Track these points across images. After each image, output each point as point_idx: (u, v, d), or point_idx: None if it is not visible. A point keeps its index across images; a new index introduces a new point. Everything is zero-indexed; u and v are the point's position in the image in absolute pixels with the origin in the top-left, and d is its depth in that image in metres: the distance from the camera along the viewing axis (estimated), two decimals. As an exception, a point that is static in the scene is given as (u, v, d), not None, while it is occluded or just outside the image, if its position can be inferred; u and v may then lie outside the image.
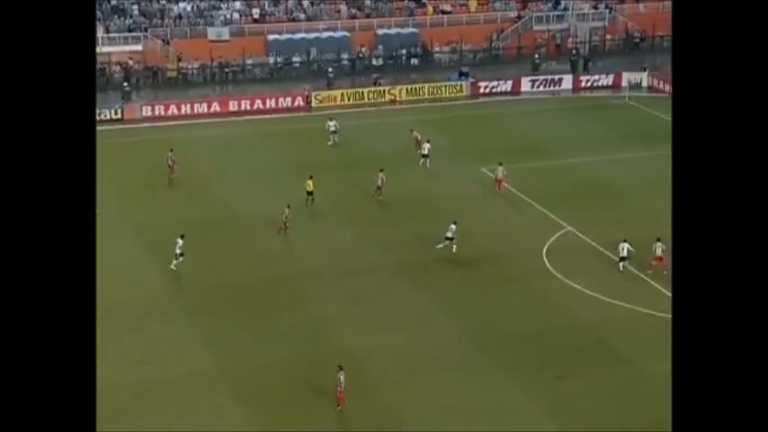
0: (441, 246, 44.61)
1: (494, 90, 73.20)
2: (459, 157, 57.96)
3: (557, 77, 74.59)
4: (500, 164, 52.87)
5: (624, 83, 72.64)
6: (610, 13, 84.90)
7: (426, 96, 72.05)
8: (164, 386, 34.35)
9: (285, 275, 42.85)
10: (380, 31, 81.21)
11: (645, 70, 73.83)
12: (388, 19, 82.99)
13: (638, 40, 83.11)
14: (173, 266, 42.94)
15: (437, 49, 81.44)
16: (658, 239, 42.10)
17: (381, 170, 51.60)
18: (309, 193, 50.17)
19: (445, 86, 73.20)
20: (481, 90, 73.05)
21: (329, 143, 60.30)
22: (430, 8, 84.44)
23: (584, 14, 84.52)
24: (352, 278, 42.91)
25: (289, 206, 47.07)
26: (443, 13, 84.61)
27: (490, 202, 51.49)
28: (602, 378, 35.01)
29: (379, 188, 51.00)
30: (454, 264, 44.10)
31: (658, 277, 42.06)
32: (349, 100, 71.11)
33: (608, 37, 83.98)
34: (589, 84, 74.06)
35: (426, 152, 56.29)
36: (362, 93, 71.91)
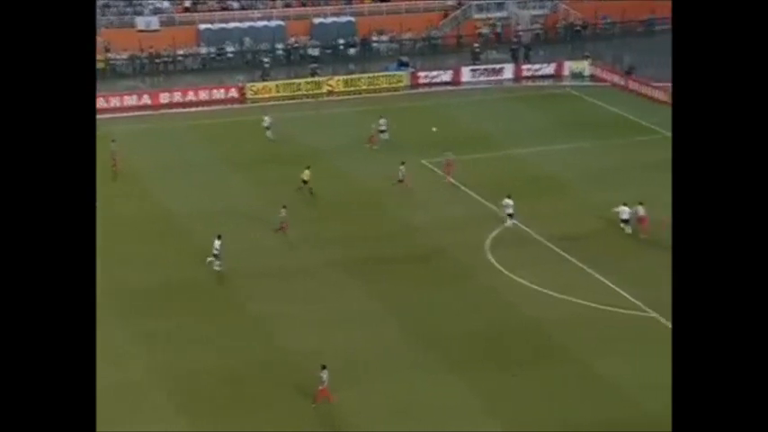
0: (508, 224, 46.52)
1: (434, 80, 73.24)
2: (399, 149, 57.86)
3: (498, 67, 74.82)
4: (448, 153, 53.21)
5: (566, 72, 73.10)
6: (551, 1, 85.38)
7: (365, 87, 71.86)
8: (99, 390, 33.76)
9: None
10: (317, 20, 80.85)
11: (586, 59, 74.35)
12: (325, 8, 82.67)
13: (579, 29, 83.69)
14: (216, 267, 42.49)
15: (375, 38, 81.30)
16: (641, 203, 45.05)
17: (306, 169, 51.39)
18: (305, 182, 50.31)
19: (384, 77, 73.08)
20: (421, 80, 73.04)
21: (267, 137, 59.84)
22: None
23: (524, 2, 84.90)
24: (294, 276, 42.64)
25: (285, 207, 46.28)
26: (381, 1, 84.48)
27: (433, 195, 51.47)
28: (547, 374, 35.14)
29: (304, 182, 50.67)
30: (397, 260, 44.01)
31: (605, 269, 42.36)
32: (285, 91, 70.69)
33: (549, 25, 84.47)
34: (530, 73, 74.39)
35: (385, 134, 57.92)
36: (299, 84, 71.53)
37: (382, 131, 59.13)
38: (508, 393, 34.06)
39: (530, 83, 73.51)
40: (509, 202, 46.88)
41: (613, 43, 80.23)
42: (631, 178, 52.59)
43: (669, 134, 59.62)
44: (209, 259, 42.64)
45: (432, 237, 46.31)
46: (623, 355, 36.25)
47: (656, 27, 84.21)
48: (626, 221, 45.95)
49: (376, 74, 73.36)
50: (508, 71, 74.46)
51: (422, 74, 73.36)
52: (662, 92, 66.48)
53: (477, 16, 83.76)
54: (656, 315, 38.85)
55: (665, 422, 32.17)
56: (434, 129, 52.48)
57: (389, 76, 73.22)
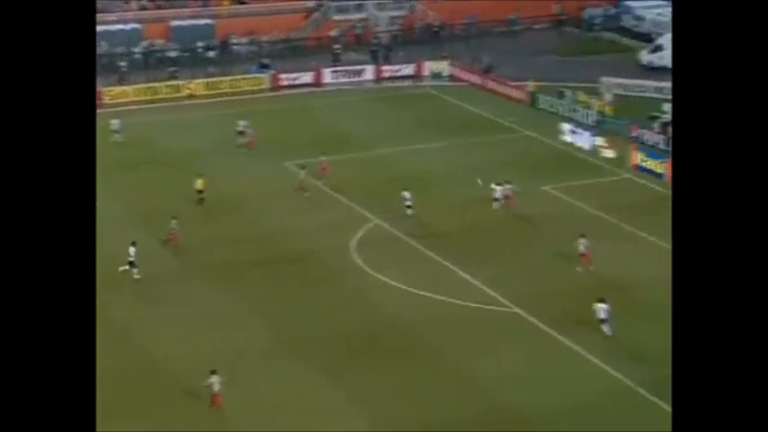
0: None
1: (295, 82, 73.31)
2: (262, 153, 57.82)
3: (358, 68, 75.37)
4: (322, 153, 53.43)
5: (426, 72, 74.10)
6: (409, 2, 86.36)
7: (226, 90, 71.46)
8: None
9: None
10: (174, 23, 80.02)
11: (445, 59, 75.50)
12: (182, 10, 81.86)
13: (437, 29, 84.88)
14: (135, 276, 41.88)
15: (235, 40, 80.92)
16: (508, 182, 45.82)
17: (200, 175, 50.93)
18: (200, 192, 49.68)
19: (245, 79, 72.84)
20: (282, 82, 73.04)
21: (113, 140, 58.76)
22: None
23: (383, 4, 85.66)
24: (160, 281, 42.22)
25: (175, 217, 45.43)
26: (240, 3, 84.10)
27: (296, 198, 51.58)
28: (413, 372, 35.67)
29: (199, 191, 50.09)
30: (263, 264, 44.01)
31: (469, 267, 43.18)
32: (143, 95, 69.77)
33: (408, 26, 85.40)
34: (391, 74, 75.13)
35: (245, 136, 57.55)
36: (158, 88, 70.68)
37: (241, 133, 59.06)
38: (376, 392, 34.47)
39: (390, 83, 74.24)
40: (406, 194, 47.58)
41: (471, 43, 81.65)
42: (491, 176, 53.66)
43: (527, 132, 61.17)
44: (124, 268, 41.76)
45: (298, 239, 46.44)
46: (487, 351, 37.06)
47: (516, 27, 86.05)
48: (497, 200, 48.50)
49: (237, 76, 73.05)
50: (369, 72, 75.07)
51: (283, 76, 73.36)
52: (519, 91, 68.03)
53: (336, 18, 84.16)
54: (518, 310, 39.83)
55: (527, 416, 33.17)
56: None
57: (250, 78, 73.02)
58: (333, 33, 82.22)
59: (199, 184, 50.08)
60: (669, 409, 32.91)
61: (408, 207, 48.23)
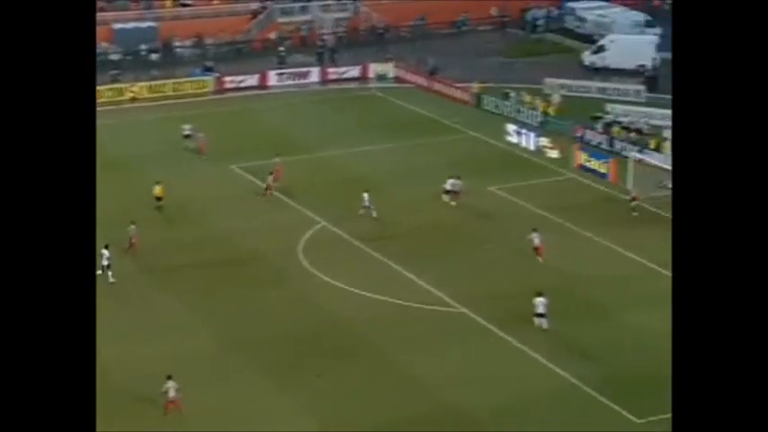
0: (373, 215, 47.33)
1: (240, 85, 73.13)
2: (208, 156, 57.63)
3: (304, 70, 75.35)
4: (277, 155, 53.35)
5: (371, 74, 74.27)
6: (353, 3, 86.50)
7: (170, 93, 71.09)
8: None
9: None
10: (117, 26, 79.45)
11: (390, 61, 75.72)
12: (125, 13, 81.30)
13: (382, 32, 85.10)
14: (111, 279, 41.62)
15: (178, 43, 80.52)
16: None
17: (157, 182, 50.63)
18: (158, 199, 48.91)
19: (189, 82, 72.53)
20: (227, 85, 72.81)
21: None
22: (169, 1, 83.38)
23: (327, 6, 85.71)
24: (106, 285, 41.94)
25: (133, 222, 44.86)
26: (183, 5, 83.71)
27: (242, 201, 51.50)
28: (360, 373, 35.84)
29: (158, 198, 49.66)
30: (211, 267, 43.91)
31: (415, 267, 43.39)
32: (87, 99, 69.11)
33: (352, 28, 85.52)
34: (336, 76, 75.22)
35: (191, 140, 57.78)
36: (100, 91, 70.06)
37: (187, 137, 58.76)
38: (323, 394, 34.56)
39: (336, 85, 74.29)
40: (365, 196, 47.77)
41: (416, 45, 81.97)
42: (438, 177, 53.96)
43: (472, 133, 61.57)
44: (98, 273, 40.89)
45: (245, 242, 46.37)
46: (433, 351, 37.30)
47: (461, 29, 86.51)
48: (447, 192, 49.55)
49: (180, 79, 72.71)
50: (314, 74, 75.08)
51: (228, 78, 73.13)
52: (464, 92, 68.45)
53: (281, 20, 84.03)
54: (464, 310, 40.11)
55: (473, 415, 33.45)
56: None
57: (195, 81, 72.71)
58: (277, 36, 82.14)
59: (157, 190, 49.52)
60: (614, 406, 33.46)
61: (366, 208, 47.94)
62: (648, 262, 44.14)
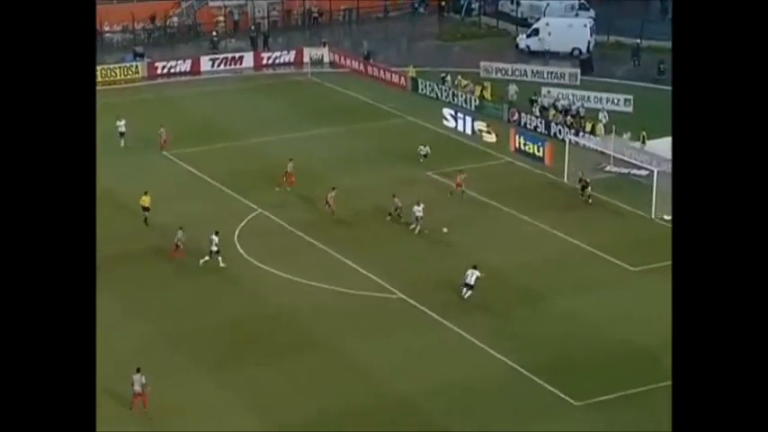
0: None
1: (172, 70, 72.58)
2: (140, 144, 57.17)
3: (237, 55, 74.96)
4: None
5: (306, 59, 74.14)
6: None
7: (100, 79, 70.20)
8: None
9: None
10: (44, 11, 78.27)
11: (325, 45, 75.63)
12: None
13: (316, 16, 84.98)
14: (222, 263, 42.08)
15: (107, 28, 79.63)
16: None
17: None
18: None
19: (119, 68, 71.79)
20: (158, 71, 72.24)
21: None
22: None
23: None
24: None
25: (182, 228, 43.61)
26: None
27: (177, 190, 51.20)
28: (302, 363, 35.89)
29: (145, 209, 48.10)
30: (140, 260, 43.57)
31: (353, 255, 43.52)
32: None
33: (286, 12, 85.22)
34: (271, 61, 74.96)
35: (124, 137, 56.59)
36: (29, 78, 69.15)
37: (122, 134, 57.44)
38: (264, 386, 34.57)
39: (270, 71, 74.06)
40: (332, 194, 47.09)
41: (351, 29, 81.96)
42: (374, 162, 54.15)
43: (409, 118, 61.77)
44: (206, 259, 41.93)
45: (178, 231, 46.08)
46: (375, 339, 37.49)
47: (396, 12, 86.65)
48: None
49: (110, 65, 71.96)
50: (248, 59, 74.73)
51: (159, 64, 72.54)
52: (400, 76, 68.62)
53: (213, 4, 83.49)
54: (405, 297, 40.35)
55: (416, 401, 33.73)
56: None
57: (125, 67, 72.02)
58: (210, 20, 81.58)
59: (144, 200, 46.59)
60: (553, 389, 33.94)
61: (328, 204, 47.17)
62: (586, 245, 44.73)
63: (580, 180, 49.29)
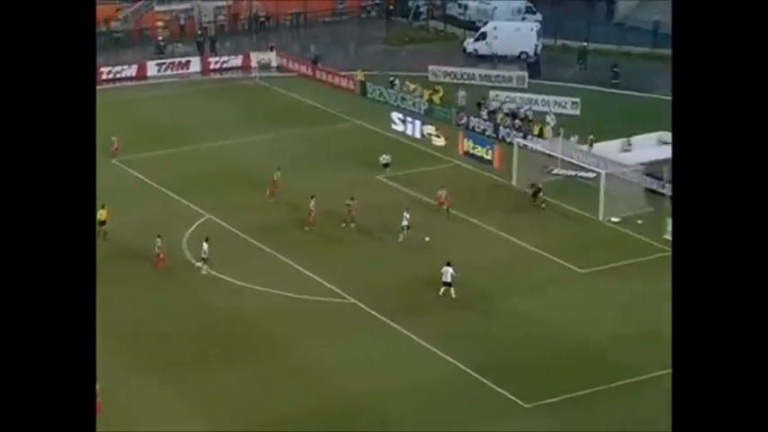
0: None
1: (118, 75, 72.12)
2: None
3: (184, 60, 74.68)
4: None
5: (254, 63, 74.03)
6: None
7: (44, 85, 69.71)
8: None
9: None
10: (-13, 16, 77.48)
11: (272, 50, 75.59)
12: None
13: (263, 20, 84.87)
14: (204, 271, 42.18)
15: (52, 33, 78.84)
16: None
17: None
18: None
19: (65, 73, 71.16)
20: (104, 76, 71.69)
21: None
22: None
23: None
24: None
25: (159, 236, 43.41)
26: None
27: (123, 196, 50.93)
28: (252, 368, 35.93)
29: (101, 222, 47.29)
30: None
31: (302, 259, 43.58)
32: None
33: (233, 16, 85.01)
34: (218, 65, 74.76)
35: None
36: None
37: None
38: (214, 390, 34.55)
39: (218, 75, 73.87)
40: (313, 203, 46.67)
41: (298, 34, 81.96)
42: (324, 166, 54.26)
43: (357, 122, 61.94)
44: (198, 264, 41.94)
45: (125, 236, 45.88)
46: (326, 342, 37.63)
47: (344, 16, 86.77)
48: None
49: (56, 71, 71.27)
50: (195, 64, 74.46)
51: (104, 69, 72.01)
52: (348, 80, 68.78)
53: (158, 8, 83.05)
54: (354, 301, 40.50)
55: (366, 403, 33.91)
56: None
57: (70, 72, 71.37)
58: (156, 24, 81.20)
59: (101, 214, 45.36)
60: (503, 391, 34.26)
61: (311, 213, 46.74)
62: (535, 248, 45.18)
63: (532, 185, 49.72)
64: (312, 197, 46.71)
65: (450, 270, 40.05)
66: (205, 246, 42.42)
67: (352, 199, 46.98)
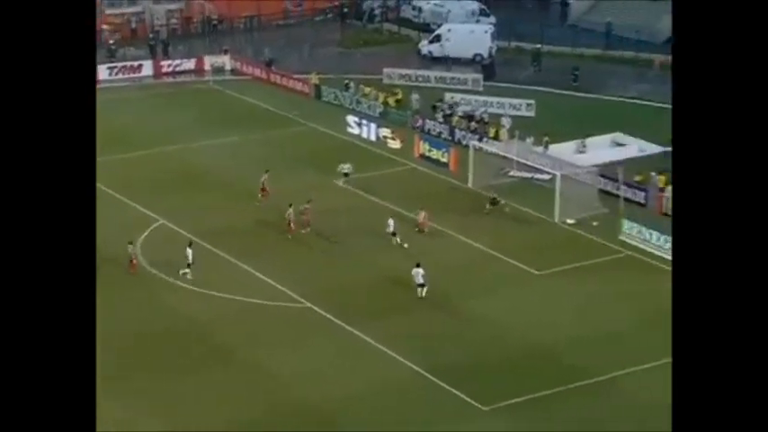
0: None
1: (69, 79, 71.49)
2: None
3: (136, 64, 74.20)
4: None
5: (207, 67, 73.72)
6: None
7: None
8: None
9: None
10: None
11: (226, 53, 75.33)
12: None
13: (216, 23, 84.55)
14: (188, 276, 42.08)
15: (2, 37, 78.07)
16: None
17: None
18: None
19: (14, 78, 70.47)
20: (55, 80, 71.11)
21: None
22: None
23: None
24: None
25: (131, 242, 43.52)
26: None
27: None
28: (210, 374, 35.77)
29: None
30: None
31: (258, 264, 43.45)
32: None
33: (185, 20, 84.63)
34: (171, 69, 74.33)
35: None
36: None
37: None
38: (169, 398, 34.35)
39: (171, 79, 73.46)
40: (291, 211, 46.44)
41: (252, 36, 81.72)
42: (279, 170, 54.10)
43: (312, 125, 61.89)
44: (184, 271, 41.80)
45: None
46: (281, 347, 37.56)
47: (298, 19, 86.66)
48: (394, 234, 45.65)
49: (5, 75, 70.57)
50: (147, 68, 73.99)
51: (55, 73, 71.39)
52: (303, 84, 68.68)
53: (109, 12, 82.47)
54: (310, 305, 40.44)
55: (322, 408, 33.87)
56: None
57: (20, 76, 70.69)
58: (106, 28, 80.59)
59: None
60: (460, 394, 34.35)
61: (288, 219, 46.55)
62: (491, 250, 45.36)
63: (492, 200, 49.20)
64: (290, 205, 46.53)
65: (420, 271, 40.51)
66: (189, 251, 42.28)
67: (308, 202, 46.92)
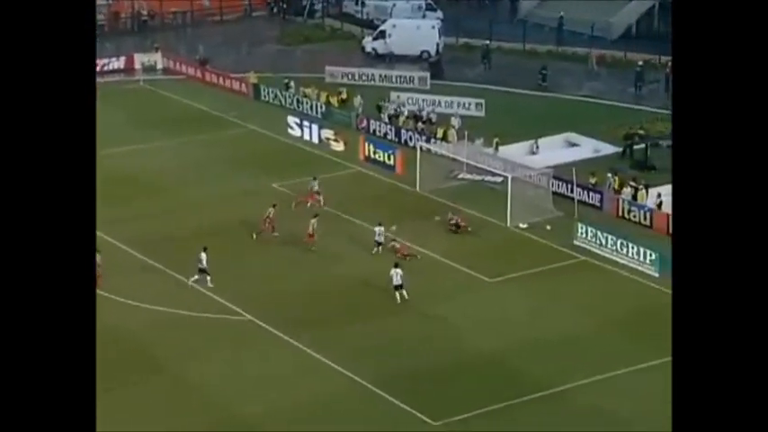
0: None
1: (-10, 80, 70.82)
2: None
3: (62, 62, 73.55)
4: None
5: (138, 65, 73.32)
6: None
7: None
8: None
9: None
10: None
11: (158, 51, 74.95)
12: None
13: (146, 19, 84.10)
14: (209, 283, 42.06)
15: None
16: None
17: None
18: None
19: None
20: (-25, 80, 70.41)
21: None
22: None
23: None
24: None
25: (99, 251, 41.85)
26: None
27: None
28: (139, 388, 35.68)
29: None
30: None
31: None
32: None
33: (113, 16, 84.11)
34: (99, 68, 73.72)
35: None
36: None
37: None
38: (108, 410, 34.11)
39: (99, 78, 72.55)
40: (271, 210, 46.65)
41: (185, 33, 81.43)
42: (217, 174, 54.02)
43: (251, 126, 61.80)
44: (195, 278, 41.60)
45: None
46: (218, 359, 37.51)
47: (234, 15, 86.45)
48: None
49: None
50: (74, 67, 73.40)
51: (-25, 73, 70.68)
52: (240, 83, 68.57)
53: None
54: (249, 316, 40.42)
55: (260, 422, 33.91)
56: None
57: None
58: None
59: None
60: (409, 408, 34.49)
61: (269, 221, 46.57)
62: (440, 256, 45.59)
63: (450, 220, 48.50)
64: (274, 205, 46.83)
65: (399, 271, 40.83)
66: (203, 256, 42.08)
67: (274, 206, 46.83)
